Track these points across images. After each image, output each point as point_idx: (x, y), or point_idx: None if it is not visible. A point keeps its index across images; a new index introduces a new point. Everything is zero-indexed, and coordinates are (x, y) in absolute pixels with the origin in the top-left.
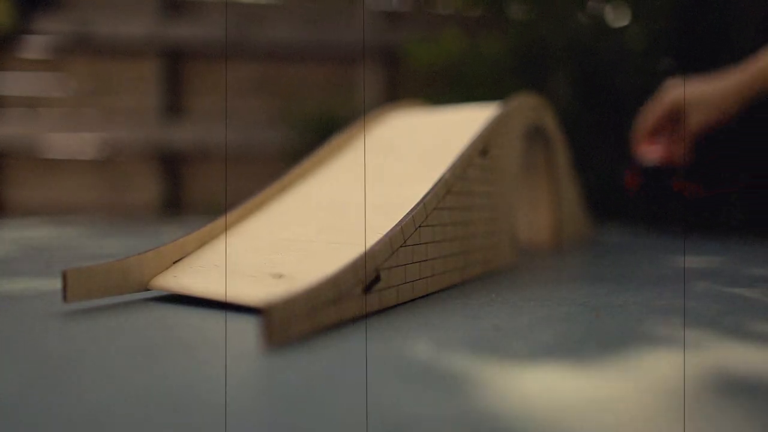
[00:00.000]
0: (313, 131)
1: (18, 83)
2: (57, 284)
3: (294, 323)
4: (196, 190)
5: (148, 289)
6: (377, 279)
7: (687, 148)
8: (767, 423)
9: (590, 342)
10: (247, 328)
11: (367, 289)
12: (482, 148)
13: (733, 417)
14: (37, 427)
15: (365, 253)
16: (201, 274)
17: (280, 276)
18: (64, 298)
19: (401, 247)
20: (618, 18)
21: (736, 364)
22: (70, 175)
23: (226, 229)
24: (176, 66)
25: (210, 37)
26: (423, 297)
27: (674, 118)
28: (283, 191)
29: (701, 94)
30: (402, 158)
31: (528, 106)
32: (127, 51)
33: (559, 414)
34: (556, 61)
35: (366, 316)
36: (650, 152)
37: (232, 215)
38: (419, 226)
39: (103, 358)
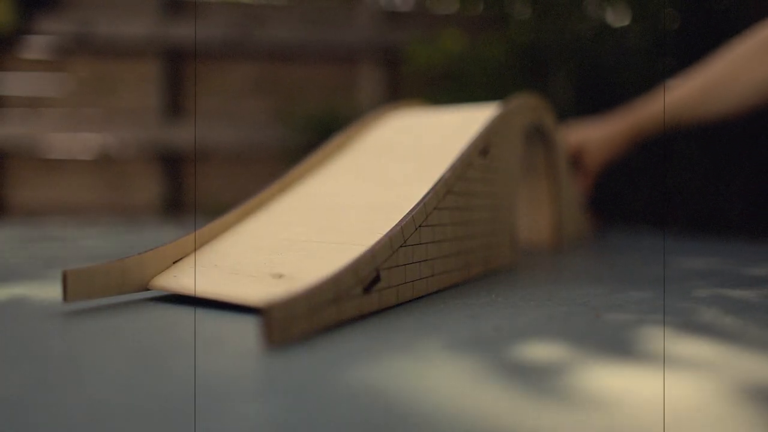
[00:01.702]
0: (313, 131)
1: (18, 83)
2: (56, 284)
3: (294, 323)
4: (197, 190)
5: (148, 289)
6: (377, 279)
7: (590, 182)
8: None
9: (591, 343)
10: (247, 328)
11: (368, 289)
12: (482, 148)
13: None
14: (36, 427)
15: (365, 253)
16: (201, 274)
17: (280, 276)
18: (64, 298)
19: (401, 247)
20: (618, 18)
21: (732, 367)
22: (71, 175)
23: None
24: (176, 66)
25: (210, 37)
26: (423, 297)
27: (578, 157)
28: (283, 191)
29: (591, 138)
30: (402, 158)
31: (528, 106)
32: (128, 51)
33: (555, 416)
34: (555, 61)
35: (366, 316)
36: None
37: (232, 215)
38: (419, 226)
39: (103, 358)
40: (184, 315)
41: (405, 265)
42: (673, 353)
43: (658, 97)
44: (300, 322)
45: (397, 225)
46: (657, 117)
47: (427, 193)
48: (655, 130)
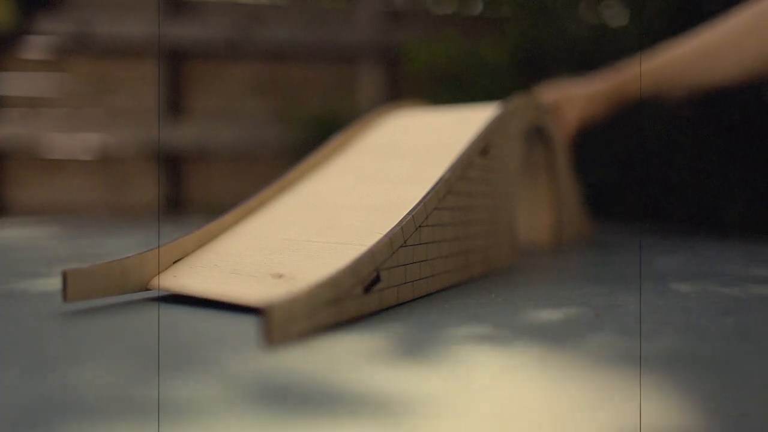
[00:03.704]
0: (313, 131)
1: (18, 83)
2: (57, 284)
3: (294, 323)
4: (196, 190)
5: (148, 289)
6: (377, 279)
7: (567, 137)
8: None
9: (591, 342)
10: (247, 328)
11: (368, 289)
12: (482, 147)
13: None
14: (36, 427)
15: (365, 254)
16: (201, 274)
17: (280, 276)
18: (64, 298)
19: (401, 247)
20: (617, 18)
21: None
22: (71, 175)
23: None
24: (176, 66)
25: (210, 37)
26: (423, 297)
27: (556, 114)
28: (283, 191)
29: (572, 95)
30: (402, 158)
31: (528, 106)
32: (127, 51)
33: (553, 416)
34: (554, 61)
35: (366, 316)
36: None
37: (232, 215)
38: (420, 226)
39: (102, 358)
40: (184, 315)
41: (405, 265)
42: (668, 354)
43: (647, 59)
44: (300, 322)
45: (397, 225)
46: (644, 78)
47: (428, 193)
48: (641, 91)
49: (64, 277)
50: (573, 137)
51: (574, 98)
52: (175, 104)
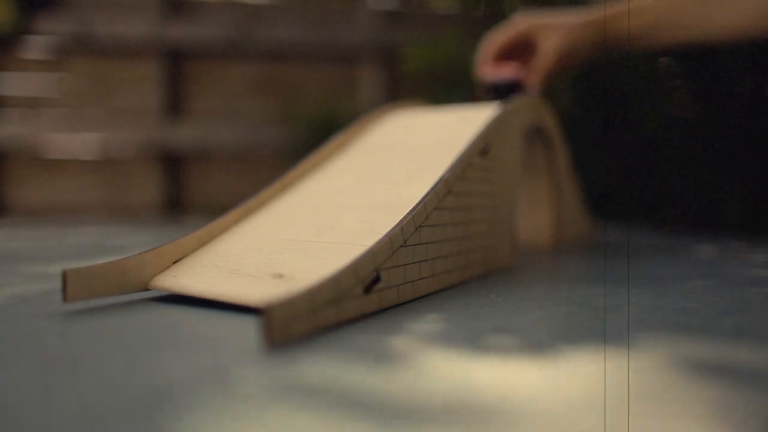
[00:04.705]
0: (313, 131)
1: (18, 83)
2: (57, 284)
3: (294, 323)
4: (196, 190)
5: (148, 289)
6: (377, 279)
7: (542, 71)
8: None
9: (590, 342)
10: (247, 328)
11: (368, 289)
12: (482, 148)
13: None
14: (36, 427)
15: (365, 254)
16: (201, 274)
17: (280, 276)
18: (64, 297)
19: (401, 247)
20: None
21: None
22: (71, 175)
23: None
24: (176, 66)
25: (210, 37)
26: (423, 297)
27: (524, 44)
28: (283, 191)
29: (554, 21)
30: (402, 158)
31: (528, 106)
32: (128, 51)
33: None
34: None
35: (366, 316)
36: (501, 71)
37: (232, 215)
38: (419, 226)
39: (102, 358)
40: (184, 315)
41: (405, 265)
42: (667, 354)
43: None
44: (300, 323)
45: (397, 225)
46: (634, 16)
47: (427, 193)
48: (632, 30)
49: (64, 277)
50: (549, 71)
51: (553, 26)
52: (175, 104)
